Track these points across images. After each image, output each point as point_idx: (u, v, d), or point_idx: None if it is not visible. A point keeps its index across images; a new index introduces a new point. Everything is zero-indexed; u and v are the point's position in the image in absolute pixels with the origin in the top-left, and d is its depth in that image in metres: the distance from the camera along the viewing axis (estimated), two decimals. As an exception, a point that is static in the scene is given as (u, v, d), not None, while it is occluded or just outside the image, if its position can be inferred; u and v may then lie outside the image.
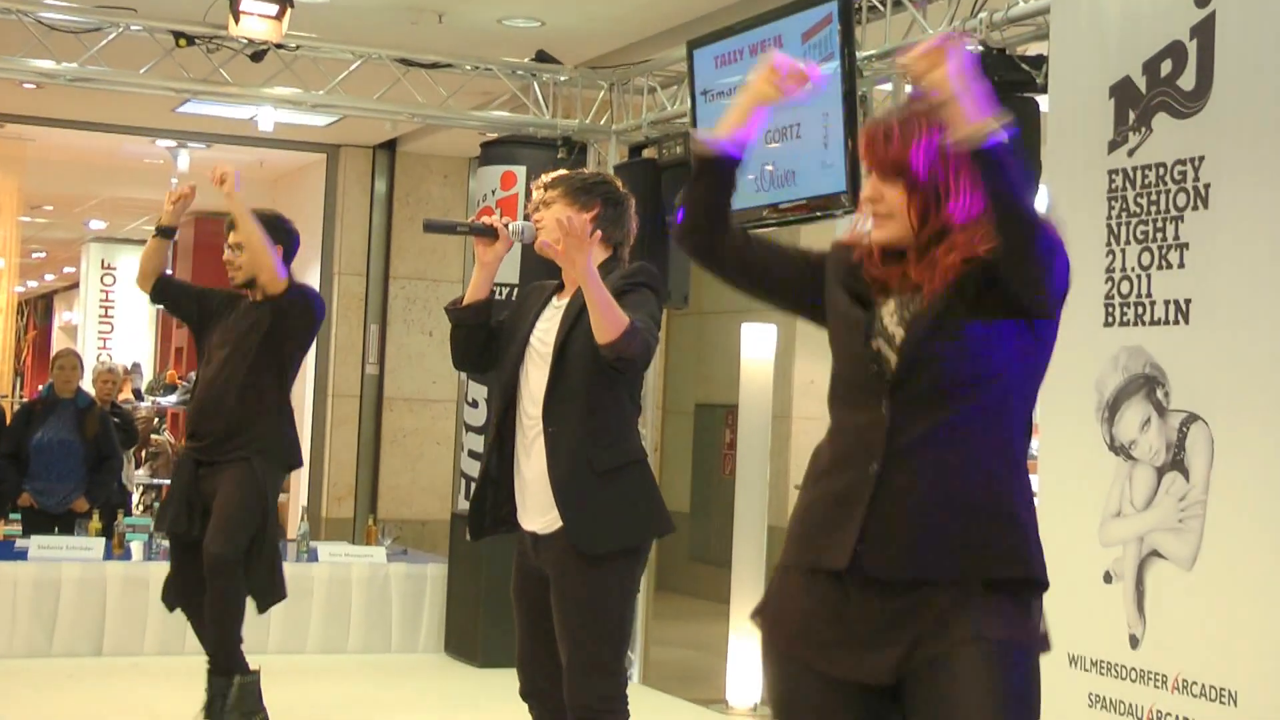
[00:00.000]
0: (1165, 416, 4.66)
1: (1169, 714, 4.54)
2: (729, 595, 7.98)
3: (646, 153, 8.37)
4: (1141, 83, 4.83)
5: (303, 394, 12.63)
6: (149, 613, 8.16)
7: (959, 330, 2.73)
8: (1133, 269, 4.80)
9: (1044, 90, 5.49)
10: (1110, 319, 4.87)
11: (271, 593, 6.15)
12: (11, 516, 9.80)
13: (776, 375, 8.34)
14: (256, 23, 7.52)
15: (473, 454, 8.63)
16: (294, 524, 8.99)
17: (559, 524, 4.23)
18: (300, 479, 12.63)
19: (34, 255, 22.48)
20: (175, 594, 6.21)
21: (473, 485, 4.51)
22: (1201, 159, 4.60)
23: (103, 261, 19.50)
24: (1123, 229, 4.86)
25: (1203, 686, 4.44)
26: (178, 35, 8.04)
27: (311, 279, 12.34)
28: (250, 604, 6.13)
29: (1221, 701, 4.38)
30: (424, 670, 8.42)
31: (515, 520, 4.36)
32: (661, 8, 8.16)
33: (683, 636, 10.28)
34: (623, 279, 4.26)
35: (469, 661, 8.44)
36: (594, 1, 8.18)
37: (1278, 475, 4.32)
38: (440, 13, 8.52)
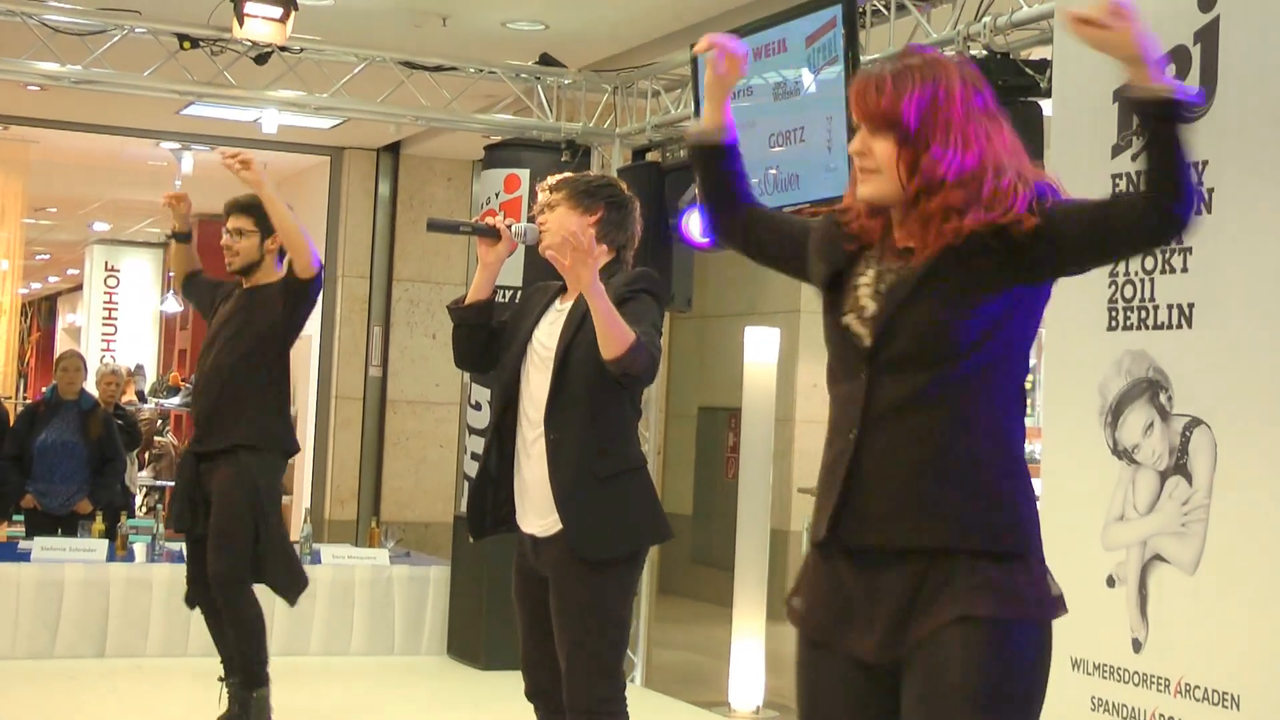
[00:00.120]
0: (1168, 420, 4.66)
1: (1171, 718, 4.53)
2: (731, 598, 7.98)
3: (650, 156, 8.37)
4: (1145, 87, 4.83)
5: (306, 396, 12.64)
6: (152, 614, 8.17)
7: (943, 298, 2.69)
8: (1136, 273, 4.80)
9: (1048, 95, 5.49)
10: (1114, 323, 4.87)
11: (294, 585, 6.16)
12: (15, 518, 9.82)
13: (779, 378, 8.34)
14: (260, 25, 7.52)
15: (475, 456, 8.63)
16: (297, 526, 9.00)
17: (558, 527, 4.23)
18: (303, 481, 12.64)
19: (38, 257, 22.50)
20: (192, 592, 6.24)
21: (471, 484, 4.51)
22: (1205, 164, 4.60)
23: (106, 263, 19.53)
24: (1126, 233, 4.86)
25: (1205, 690, 4.44)
26: (182, 38, 8.05)
27: (315, 281, 12.36)
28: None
29: (1224, 706, 4.38)
30: (426, 672, 8.42)
31: (515, 521, 4.37)
32: (665, 11, 8.17)
33: (685, 639, 10.28)
34: (624, 285, 4.26)
35: (471, 664, 8.44)
36: (598, 5, 8.18)
37: (1281, 479, 4.33)
38: (444, 16, 8.52)
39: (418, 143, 12.06)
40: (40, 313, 28.51)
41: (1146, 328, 4.76)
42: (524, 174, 8.44)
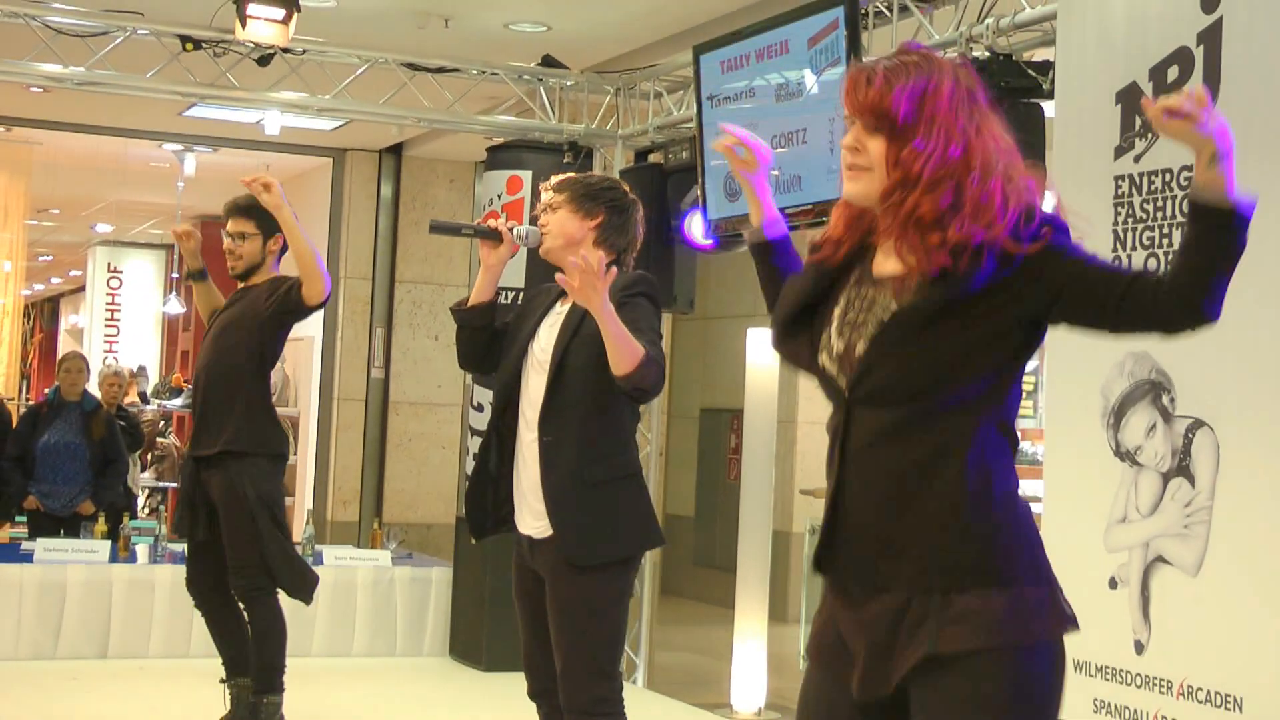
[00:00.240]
0: (1171, 422, 4.66)
1: (1174, 720, 4.54)
2: (733, 600, 7.98)
3: (652, 157, 8.37)
4: (1148, 88, 4.83)
5: (308, 397, 12.65)
6: (154, 615, 8.18)
7: (919, 334, 2.62)
8: (1138, 275, 4.80)
9: (1050, 96, 5.49)
10: (1116, 325, 4.87)
11: (304, 585, 6.17)
12: (17, 519, 9.82)
13: (782, 380, 8.34)
14: (263, 27, 7.52)
15: (477, 458, 8.63)
16: (299, 527, 8.99)
17: (551, 530, 4.25)
18: (305, 482, 12.64)
19: (40, 258, 22.51)
20: (191, 594, 6.27)
21: (469, 484, 4.52)
22: (1207, 165, 4.59)
23: (109, 265, 19.53)
24: (1129, 235, 4.86)
25: (1208, 692, 4.44)
26: (184, 39, 8.05)
27: (317, 282, 12.36)
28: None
29: (1227, 707, 4.38)
30: (429, 674, 8.42)
31: (514, 521, 4.38)
32: (668, 13, 8.17)
33: (687, 641, 10.28)
34: (621, 290, 4.25)
35: (474, 665, 8.44)
36: (600, 6, 8.18)
37: (1283, 481, 4.33)
38: (447, 17, 8.52)
39: (420, 144, 12.07)
40: (43, 314, 28.53)
41: (1149, 329, 4.75)
42: (526, 175, 8.44)
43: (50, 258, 22.89)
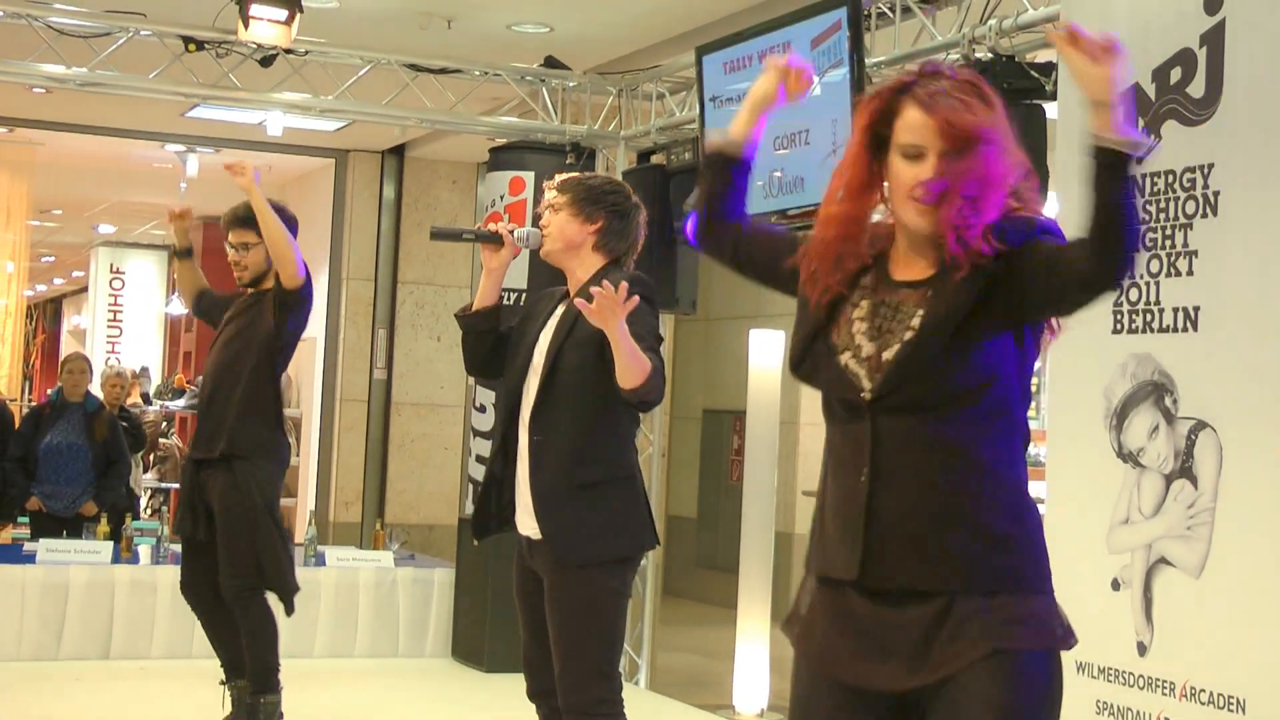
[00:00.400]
0: (1173, 424, 4.65)
1: (1177, 722, 4.53)
2: (736, 601, 7.97)
3: (655, 158, 8.37)
4: (1151, 90, 4.83)
5: (311, 398, 12.65)
6: (156, 616, 8.18)
7: (943, 342, 2.68)
8: (1141, 276, 4.80)
9: (1053, 97, 5.49)
10: (1119, 326, 4.87)
11: (290, 592, 6.16)
12: (20, 520, 9.81)
13: (784, 381, 8.32)
14: (265, 28, 7.52)
15: (480, 459, 8.63)
16: (301, 528, 9.00)
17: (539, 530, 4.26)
18: (308, 484, 12.64)
19: (43, 259, 22.51)
20: (186, 596, 6.26)
21: (476, 488, 4.53)
22: (1211, 166, 4.60)
23: (111, 265, 19.53)
24: (1131, 236, 4.86)
25: (1211, 694, 4.44)
26: (187, 40, 8.05)
27: (320, 284, 12.36)
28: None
29: (1230, 709, 4.37)
30: (431, 675, 8.42)
31: (514, 522, 4.38)
32: (670, 14, 8.17)
33: (689, 642, 10.28)
34: None
35: (476, 666, 8.44)
36: (603, 7, 8.18)
37: (1286, 483, 4.32)
38: (449, 18, 8.52)
39: (423, 145, 12.07)
40: (45, 315, 28.54)
41: (1152, 331, 4.75)
42: (529, 176, 8.45)
43: (53, 258, 22.90)
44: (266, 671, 6.08)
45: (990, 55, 5.82)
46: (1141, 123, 4.87)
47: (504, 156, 8.78)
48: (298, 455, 12.59)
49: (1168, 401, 4.68)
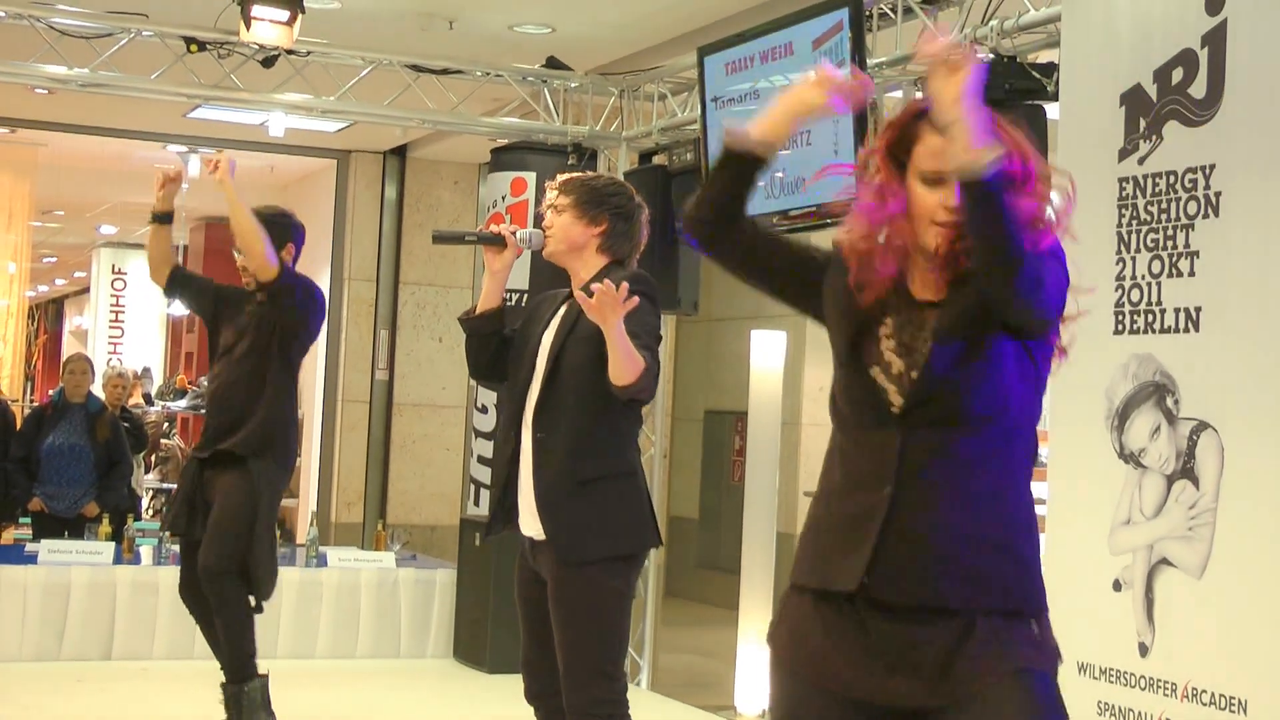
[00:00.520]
0: (1175, 424, 4.65)
1: (1178, 722, 4.53)
2: (738, 602, 7.97)
3: (656, 159, 8.37)
4: (1152, 90, 4.83)
5: (312, 399, 12.64)
6: (158, 617, 8.18)
7: (970, 357, 2.70)
8: (1143, 277, 4.80)
9: (1055, 98, 5.49)
10: (1120, 327, 4.87)
11: (267, 593, 6.14)
12: (22, 521, 9.82)
13: (786, 382, 8.33)
14: (267, 28, 7.52)
15: (482, 459, 8.64)
16: (303, 529, 9.00)
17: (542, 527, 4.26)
18: (310, 484, 12.65)
19: (45, 260, 22.52)
20: (185, 596, 6.24)
21: (484, 492, 4.53)
22: (1212, 167, 4.60)
23: (113, 266, 19.54)
24: (1133, 237, 4.86)
25: (1212, 695, 4.44)
26: (189, 41, 8.06)
27: (322, 284, 12.35)
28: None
29: (1231, 710, 4.37)
30: (432, 675, 8.42)
31: (518, 523, 4.38)
32: (672, 14, 8.17)
33: (691, 643, 10.28)
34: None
35: (477, 667, 8.44)
36: (604, 8, 8.18)
37: (1288, 484, 4.32)
38: (451, 19, 8.52)
39: (424, 146, 12.07)
40: (47, 315, 28.55)
41: (1153, 331, 4.75)
42: (530, 177, 8.45)
43: (54, 259, 22.91)
44: (245, 658, 6.05)
45: (992, 56, 5.81)
46: (1143, 123, 4.87)
47: (506, 157, 8.78)
48: (299, 456, 12.59)
49: (1169, 402, 4.68)
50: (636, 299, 3.98)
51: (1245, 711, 4.34)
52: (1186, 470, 4.60)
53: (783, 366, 8.13)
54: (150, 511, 13.46)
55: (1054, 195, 2.75)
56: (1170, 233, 4.72)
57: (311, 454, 12.59)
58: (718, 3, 7.87)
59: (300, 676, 7.67)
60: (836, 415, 2.86)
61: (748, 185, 2.87)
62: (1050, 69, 5.62)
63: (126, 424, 10.12)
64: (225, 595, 5.97)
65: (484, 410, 8.62)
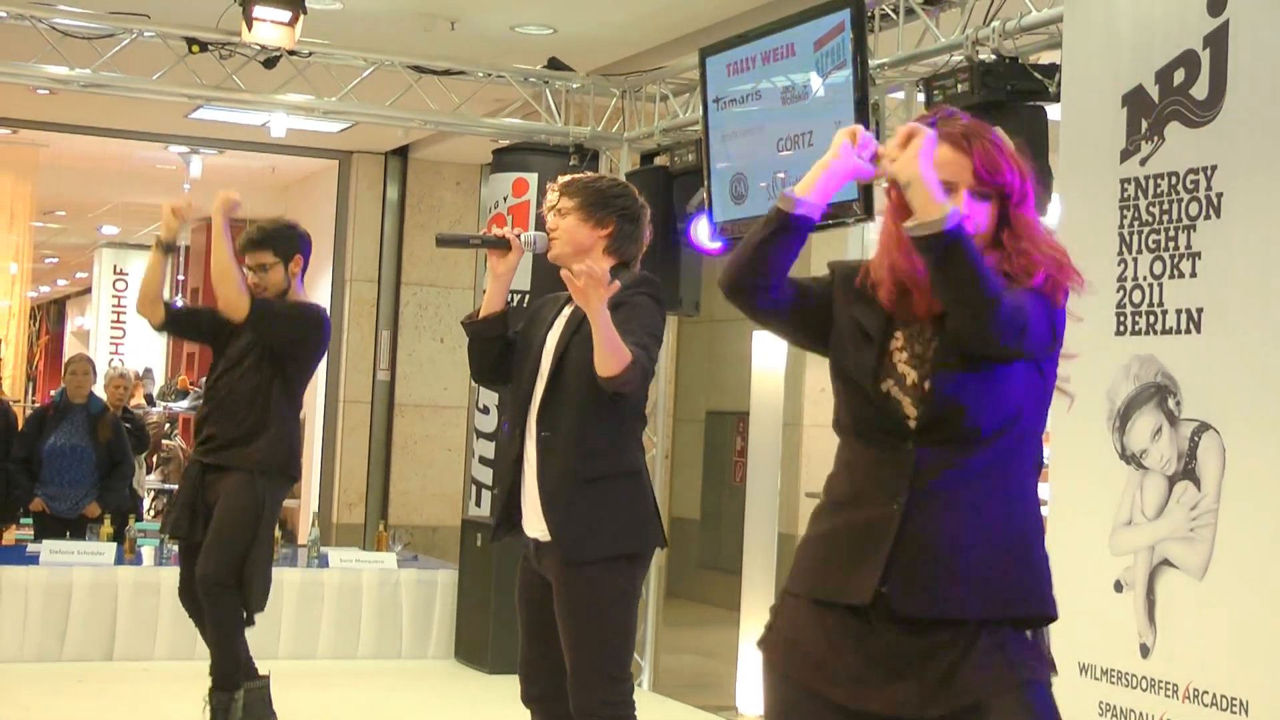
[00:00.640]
0: (1176, 425, 4.65)
1: (1180, 723, 4.53)
2: (739, 602, 7.97)
3: (658, 160, 8.37)
4: (1154, 91, 4.83)
5: (314, 400, 12.64)
6: (160, 618, 8.18)
7: (978, 371, 2.72)
8: (1144, 278, 4.80)
9: (1056, 99, 5.48)
10: (1122, 328, 4.87)
11: (260, 605, 6.13)
12: (23, 521, 9.82)
13: (788, 382, 8.33)
14: (269, 29, 7.53)
15: (484, 460, 8.64)
16: (305, 530, 9.00)
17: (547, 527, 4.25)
18: (311, 485, 12.64)
19: (46, 260, 22.54)
20: (185, 599, 6.24)
21: (485, 493, 4.52)
22: (1214, 168, 4.60)
23: (115, 267, 19.56)
24: (1135, 238, 4.86)
25: (1214, 696, 4.44)
26: (190, 41, 8.06)
27: (323, 285, 12.38)
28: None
29: (1233, 711, 4.37)
30: (434, 676, 8.42)
31: (521, 525, 4.37)
32: (674, 15, 8.17)
33: (693, 643, 10.28)
34: (625, 288, 4.25)
35: (479, 668, 8.44)
36: (606, 9, 8.18)
37: (1289, 485, 4.32)
38: (453, 20, 8.53)
39: (426, 146, 12.07)
40: (49, 316, 28.56)
41: (1155, 332, 4.75)
42: (532, 178, 8.45)
43: (56, 260, 22.93)
44: (234, 667, 6.04)
45: (994, 57, 5.81)
46: (1144, 125, 4.87)
47: (507, 158, 8.79)
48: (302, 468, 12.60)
49: (1170, 403, 4.68)
50: (619, 283, 4.01)
51: (1247, 712, 4.34)
52: (1188, 471, 4.60)
53: (784, 367, 8.13)
54: (152, 512, 13.46)
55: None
56: (1172, 234, 4.72)
57: (313, 455, 12.59)
58: (719, 4, 7.87)
59: (301, 677, 7.67)
60: (845, 431, 2.87)
61: (799, 246, 2.87)
62: (1052, 70, 5.62)
63: (128, 425, 10.13)
64: (220, 604, 5.97)
65: (485, 411, 8.62)
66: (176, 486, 12.31)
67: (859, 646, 2.74)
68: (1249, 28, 4.53)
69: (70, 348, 23.59)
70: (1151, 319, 4.77)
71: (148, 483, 13.38)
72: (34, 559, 8.28)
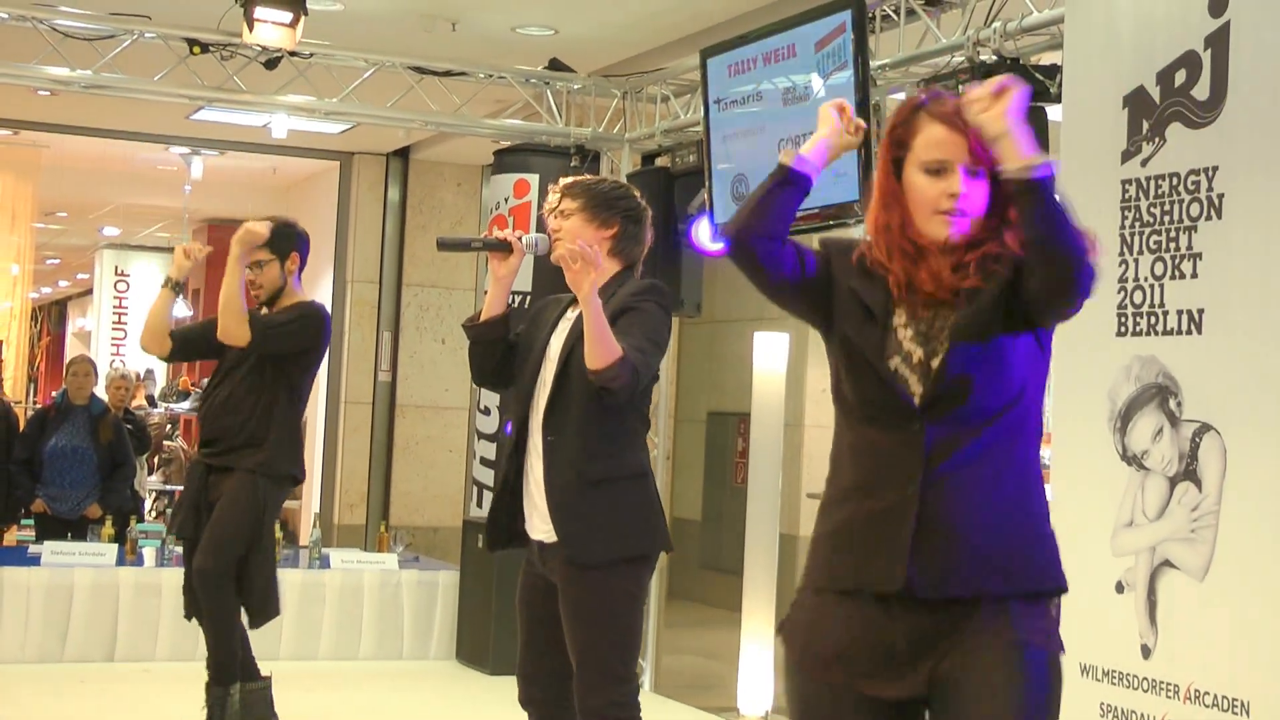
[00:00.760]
0: (1177, 426, 4.65)
1: (1181, 724, 4.53)
2: (740, 603, 7.97)
3: (659, 161, 8.38)
4: (1155, 92, 4.83)
5: (315, 401, 12.65)
6: (161, 618, 8.18)
7: (986, 348, 2.73)
8: (1145, 279, 4.80)
9: (1058, 100, 5.48)
10: (1123, 329, 4.87)
11: (265, 610, 6.14)
12: (25, 522, 9.82)
13: (789, 383, 8.32)
14: (270, 30, 7.53)
15: (485, 461, 8.64)
16: (306, 531, 9.00)
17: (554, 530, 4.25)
18: (312, 486, 12.64)
19: (48, 261, 22.55)
20: (189, 603, 6.24)
21: (486, 494, 4.51)
22: (1215, 169, 4.59)
23: (116, 268, 19.56)
24: (1136, 239, 4.86)
25: (1215, 697, 4.44)
26: (192, 42, 8.06)
27: (324, 286, 12.38)
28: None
29: (1234, 712, 4.37)
30: (435, 677, 8.42)
31: (526, 532, 4.36)
32: (675, 16, 8.17)
33: (694, 644, 10.28)
34: (631, 295, 4.25)
35: (480, 669, 8.44)
36: (607, 10, 8.19)
37: (1291, 485, 4.32)
38: (454, 20, 8.53)
39: (427, 147, 12.08)
40: (50, 317, 28.57)
41: (1156, 333, 4.75)
42: (533, 179, 8.45)
43: (57, 261, 22.94)
44: (230, 661, 6.05)
45: (995, 58, 5.81)
46: (1145, 125, 4.87)
47: (509, 159, 8.79)
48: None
49: (1172, 404, 4.68)
50: (618, 261, 4.07)
51: (1248, 713, 4.34)
52: (1189, 472, 4.60)
53: (785, 368, 8.12)
54: (153, 513, 13.46)
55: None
56: (1173, 235, 4.72)
57: (314, 455, 12.59)
58: (720, 5, 7.87)
59: (303, 678, 7.68)
60: (847, 415, 2.86)
61: (793, 207, 2.94)
62: (1053, 71, 5.62)
63: (129, 426, 10.13)
64: (217, 597, 5.97)
65: (487, 412, 8.62)
66: (179, 488, 12.37)
67: (880, 634, 2.75)
68: (1250, 28, 4.53)
69: (71, 349, 23.60)
70: (1152, 320, 4.77)
71: (149, 484, 13.38)
72: (35, 560, 8.29)
